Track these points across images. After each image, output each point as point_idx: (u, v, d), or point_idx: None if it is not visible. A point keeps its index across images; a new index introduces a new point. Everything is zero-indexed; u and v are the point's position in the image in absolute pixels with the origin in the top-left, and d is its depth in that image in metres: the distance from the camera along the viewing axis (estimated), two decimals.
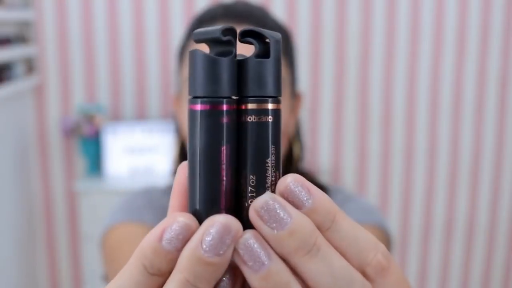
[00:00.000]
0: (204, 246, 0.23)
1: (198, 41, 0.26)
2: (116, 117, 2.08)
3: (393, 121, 2.14)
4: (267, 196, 0.24)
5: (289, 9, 2.04)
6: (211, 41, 0.26)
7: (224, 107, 0.25)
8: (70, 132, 2.02)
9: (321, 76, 2.09)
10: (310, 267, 0.24)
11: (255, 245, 0.24)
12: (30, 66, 1.99)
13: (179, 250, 0.24)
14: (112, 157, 1.96)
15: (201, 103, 0.25)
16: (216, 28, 0.25)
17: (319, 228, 0.25)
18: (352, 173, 2.17)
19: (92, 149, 1.99)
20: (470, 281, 2.26)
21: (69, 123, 2.01)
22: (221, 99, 0.25)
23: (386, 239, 0.74)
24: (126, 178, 1.95)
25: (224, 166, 0.25)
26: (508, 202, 2.21)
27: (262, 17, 0.72)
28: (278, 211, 0.24)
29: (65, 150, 2.08)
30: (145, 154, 1.99)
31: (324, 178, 0.98)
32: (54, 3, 1.99)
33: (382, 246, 0.26)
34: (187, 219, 0.24)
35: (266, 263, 0.24)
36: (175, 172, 0.27)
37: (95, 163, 2.01)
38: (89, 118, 1.98)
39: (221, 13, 0.70)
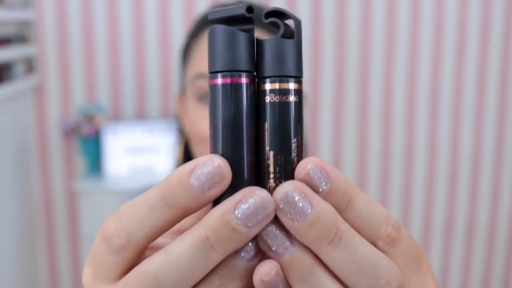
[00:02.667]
0: (237, 213, 0.23)
1: (215, 20, 0.26)
2: (116, 117, 2.08)
3: (393, 121, 2.14)
4: (286, 186, 0.24)
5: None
6: (231, 19, 0.26)
7: (244, 80, 0.25)
8: (70, 132, 2.02)
9: (321, 76, 2.09)
10: (333, 256, 0.24)
11: (277, 232, 0.24)
12: (30, 66, 1.99)
13: (205, 191, 0.24)
14: (112, 157, 1.96)
15: (222, 76, 0.25)
16: (239, 6, 0.25)
17: (336, 210, 0.24)
18: (352, 173, 2.17)
19: (92, 149, 1.99)
20: (470, 281, 2.26)
21: (69, 123, 2.01)
22: (241, 73, 0.25)
23: None
24: (126, 178, 1.95)
25: (249, 140, 0.25)
26: (508, 202, 2.21)
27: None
28: (298, 203, 0.24)
29: (65, 150, 2.08)
30: (145, 154, 1.99)
31: None
32: (54, 3, 1.99)
33: (392, 218, 0.25)
34: (223, 162, 0.24)
35: (288, 248, 0.24)
36: None
37: (95, 163, 2.01)
38: (89, 118, 1.98)
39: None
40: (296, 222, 0.23)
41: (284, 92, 0.25)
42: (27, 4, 1.96)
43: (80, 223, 2.02)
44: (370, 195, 2.18)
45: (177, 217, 0.25)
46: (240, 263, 0.25)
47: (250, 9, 0.25)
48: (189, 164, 0.24)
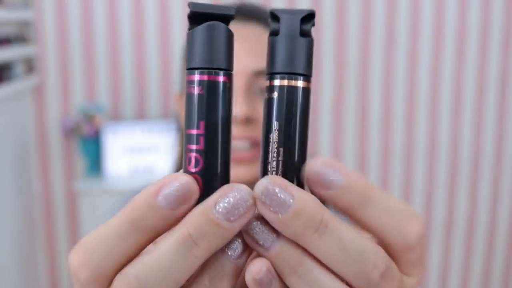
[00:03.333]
0: (218, 207, 0.23)
1: (196, 13, 0.25)
2: (116, 117, 2.08)
3: (393, 121, 2.14)
4: (265, 180, 0.24)
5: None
6: (218, 17, 0.26)
7: (222, 78, 0.25)
8: (70, 132, 2.02)
9: (321, 76, 2.09)
10: (319, 246, 0.24)
11: (263, 227, 0.24)
12: (30, 66, 1.99)
13: (173, 209, 0.24)
14: (112, 157, 1.96)
15: (199, 73, 0.25)
16: (230, 6, 0.26)
17: (351, 207, 0.24)
18: None
19: (92, 149, 1.99)
20: (470, 281, 2.26)
21: (69, 123, 2.01)
22: (218, 71, 0.25)
23: None
24: (126, 178, 1.95)
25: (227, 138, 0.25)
26: (508, 202, 2.21)
27: (268, 17, 0.72)
28: (278, 194, 0.24)
29: (65, 150, 2.08)
30: (145, 154, 1.99)
31: None
32: (54, 3, 1.99)
33: (415, 213, 0.26)
34: (189, 179, 0.24)
35: (275, 241, 0.24)
36: (177, 171, 0.27)
37: (95, 163, 2.01)
38: (89, 118, 1.98)
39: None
40: (279, 215, 0.23)
41: (292, 89, 0.25)
42: (27, 4, 1.96)
43: (80, 223, 2.02)
44: None
45: (147, 240, 0.24)
46: (228, 262, 0.25)
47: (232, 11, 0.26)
48: (154, 185, 0.24)
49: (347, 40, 2.07)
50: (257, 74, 0.68)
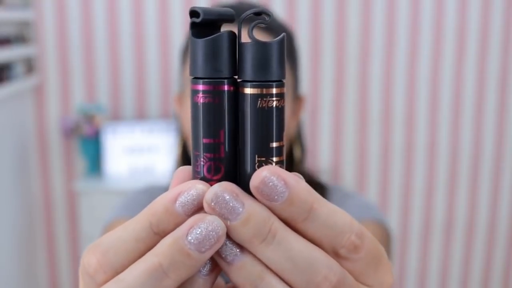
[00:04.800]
0: (190, 238, 0.24)
1: (206, 19, 0.25)
2: (116, 117, 2.08)
3: (393, 121, 2.14)
4: (217, 187, 0.24)
5: (289, 9, 2.04)
6: (217, 22, 0.26)
7: (226, 87, 0.25)
8: (70, 132, 2.02)
9: (321, 76, 2.09)
10: (268, 255, 0.24)
11: (227, 241, 0.25)
12: (30, 66, 1.99)
13: (189, 216, 0.25)
14: (112, 157, 1.96)
15: (203, 83, 0.25)
16: (227, 9, 0.26)
17: (295, 219, 0.24)
18: (352, 173, 2.17)
19: (92, 149, 1.99)
20: (470, 281, 2.26)
21: (69, 123, 2.01)
22: (223, 80, 0.25)
23: (386, 235, 0.74)
24: (126, 178, 1.95)
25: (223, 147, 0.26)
26: (508, 202, 2.21)
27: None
28: (228, 202, 0.24)
29: (65, 150, 2.08)
30: (145, 154, 1.99)
31: (324, 178, 0.98)
32: (54, 3, 1.99)
33: (356, 225, 0.25)
34: (206, 188, 0.25)
35: (238, 255, 0.24)
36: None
37: (95, 163, 2.01)
38: (89, 118, 1.98)
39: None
40: (228, 222, 0.24)
41: (266, 97, 0.25)
42: (27, 4, 1.96)
43: (80, 223, 2.02)
44: (370, 195, 2.18)
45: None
46: (199, 278, 0.25)
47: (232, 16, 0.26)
48: (173, 192, 0.25)
49: (347, 40, 2.07)
50: None
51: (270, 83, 0.25)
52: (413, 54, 2.09)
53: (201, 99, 0.25)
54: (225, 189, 0.24)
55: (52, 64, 2.03)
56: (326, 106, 2.11)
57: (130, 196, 0.80)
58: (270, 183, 0.24)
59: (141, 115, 2.09)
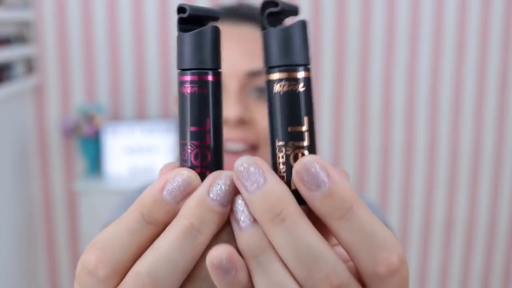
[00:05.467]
0: (212, 195, 0.25)
1: (192, 15, 0.27)
2: (116, 117, 2.08)
3: (393, 120, 2.14)
4: (245, 158, 0.25)
5: None
6: (205, 19, 0.27)
7: (210, 77, 0.27)
8: (70, 132, 2.02)
9: (321, 74, 2.09)
10: (273, 236, 0.24)
11: (246, 208, 0.25)
12: (30, 66, 1.99)
13: (179, 202, 0.25)
14: (112, 157, 1.96)
15: (191, 74, 0.27)
16: (213, 8, 0.28)
17: (331, 215, 0.24)
18: (352, 172, 2.17)
19: (92, 149, 1.99)
20: (470, 281, 2.26)
21: (69, 123, 2.01)
22: (207, 70, 0.27)
23: None
24: (126, 178, 1.95)
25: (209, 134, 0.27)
26: (508, 202, 2.21)
27: None
28: (253, 174, 0.25)
29: (65, 150, 2.08)
30: (145, 154, 1.99)
31: None
32: (54, 3, 1.99)
33: (400, 249, 0.25)
34: (191, 173, 0.26)
35: (249, 225, 0.25)
36: None
37: (95, 163, 2.01)
38: (89, 118, 1.98)
39: (224, 14, 0.71)
40: (248, 194, 0.24)
41: (292, 81, 0.26)
42: (27, 4, 1.96)
43: (80, 223, 2.02)
44: (370, 194, 2.18)
45: (158, 232, 0.26)
46: (225, 231, 0.26)
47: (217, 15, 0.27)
48: (159, 181, 0.26)
49: (347, 37, 2.08)
50: (251, 75, 0.67)
51: (279, 67, 0.26)
52: (413, 52, 2.09)
53: (188, 89, 0.26)
54: (253, 162, 0.25)
55: (52, 64, 2.03)
56: (326, 104, 2.11)
57: (129, 196, 0.80)
58: (313, 170, 0.24)
59: (141, 115, 2.09)
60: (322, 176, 0.24)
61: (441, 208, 2.21)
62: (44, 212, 2.11)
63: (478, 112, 2.15)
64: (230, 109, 0.65)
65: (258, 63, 0.67)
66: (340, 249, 0.27)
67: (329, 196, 0.24)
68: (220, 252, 0.24)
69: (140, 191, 0.81)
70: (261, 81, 0.67)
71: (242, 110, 0.66)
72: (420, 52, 2.10)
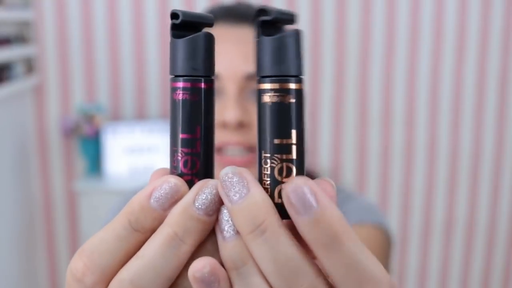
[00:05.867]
0: (197, 204, 0.25)
1: (186, 21, 0.26)
2: (116, 117, 2.08)
3: (393, 121, 2.14)
4: (229, 168, 0.25)
5: (289, 8, 2.04)
6: (199, 25, 0.27)
7: (203, 84, 0.27)
8: (70, 132, 2.02)
9: (321, 76, 2.09)
10: (253, 248, 0.24)
11: (230, 219, 0.25)
12: (30, 66, 1.99)
13: (166, 209, 0.25)
14: (112, 157, 1.96)
15: (183, 81, 0.26)
16: (207, 14, 0.27)
17: (316, 241, 0.23)
18: (352, 173, 2.17)
19: (92, 149, 1.99)
20: (470, 281, 2.26)
21: (69, 123, 2.01)
22: (200, 77, 0.26)
23: (386, 239, 0.74)
24: (126, 178, 1.95)
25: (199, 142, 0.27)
26: (508, 202, 2.21)
27: None
28: (235, 185, 0.24)
29: (65, 150, 2.08)
30: (145, 154, 1.99)
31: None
32: (54, 3, 1.99)
33: (388, 281, 0.24)
34: (178, 181, 0.25)
35: (232, 236, 0.25)
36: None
37: (95, 163, 2.01)
38: (89, 118, 1.98)
39: (223, 14, 0.70)
40: (230, 204, 0.24)
41: (282, 92, 0.25)
42: (27, 4, 1.96)
43: (80, 223, 2.02)
44: (370, 194, 2.18)
45: (145, 238, 0.26)
46: (210, 241, 0.26)
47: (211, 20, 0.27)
48: (147, 189, 0.26)
49: (347, 39, 2.07)
50: (250, 77, 0.66)
51: (270, 77, 0.25)
52: (413, 53, 2.09)
53: (179, 95, 0.26)
54: (237, 172, 0.25)
55: (52, 64, 2.03)
56: (326, 105, 2.11)
57: (127, 196, 0.80)
58: (301, 192, 0.24)
59: (141, 115, 2.09)
60: (311, 200, 0.23)
61: (441, 208, 2.21)
62: (44, 212, 2.11)
63: (478, 112, 2.15)
64: (229, 112, 0.64)
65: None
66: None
67: (316, 222, 0.23)
68: (202, 265, 0.24)
69: (137, 191, 0.80)
70: None
71: (241, 114, 0.65)
72: (420, 54, 2.10)
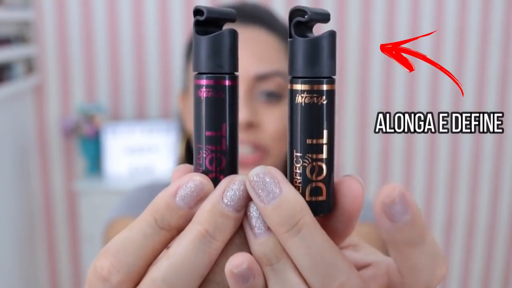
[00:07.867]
0: (226, 201, 0.25)
1: (210, 18, 0.27)
2: (116, 117, 2.08)
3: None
4: (260, 168, 0.25)
5: (289, 8, 2.04)
6: (221, 20, 0.27)
7: (227, 82, 0.26)
8: (70, 132, 2.02)
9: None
10: (289, 246, 0.24)
11: (259, 216, 0.25)
12: (30, 66, 1.99)
13: (192, 207, 0.25)
14: (112, 157, 1.96)
15: (206, 78, 0.26)
16: (230, 10, 0.27)
17: (406, 243, 0.25)
18: (352, 172, 2.16)
19: (92, 149, 1.99)
20: (470, 281, 2.26)
21: (69, 123, 2.01)
22: (224, 75, 0.26)
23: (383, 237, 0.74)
24: (126, 178, 1.95)
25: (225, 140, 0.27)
26: (508, 202, 2.21)
27: (270, 19, 0.72)
28: (268, 185, 0.25)
29: (65, 150, 2.08)
30: (145, 154, 1.99)
31: None
32: (54, 3, 1.99)
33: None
34: (203, 178, 0.26)
35: (264, 232, 0.25)
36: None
37: (95, 163, 2.01)
38: (89, 118, 1.98)
39: None
40: (263, 204, 0.25)
41: (315, 93, 0.25)
42: (27, 4, 1.96)
43: (80, 223, 2.02)
44: (369, 193, 2.17)
45: (171, 236, 0.26)
46: (239, 236, 0.26)
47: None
48: (172, 186, 0.26)
49: (347, 39, 2.08)
50: (259, 78, 0.66)
51: (303, 78, 0.26)
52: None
53: (204, 93, 0.26)
54: (267, 172, 0.25)
55: (52, 64, 2.03)
56: None
57: (132, 194, 0.80)
58: (398, 204, 0.24)
59: (141, 115, 2.09)
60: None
61: (441, 209, 2.21)
62: (44, 212, 2.11)
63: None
64: (239, 113, 0.65)
65: (265, 66, 0.66)
66: (352, 255, 0.28)
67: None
68: (240, 261, 0.24)
69: (143, 189, 0.81)
70: (269, 85, 0.66)
71: (250, 114, 0.65)
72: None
